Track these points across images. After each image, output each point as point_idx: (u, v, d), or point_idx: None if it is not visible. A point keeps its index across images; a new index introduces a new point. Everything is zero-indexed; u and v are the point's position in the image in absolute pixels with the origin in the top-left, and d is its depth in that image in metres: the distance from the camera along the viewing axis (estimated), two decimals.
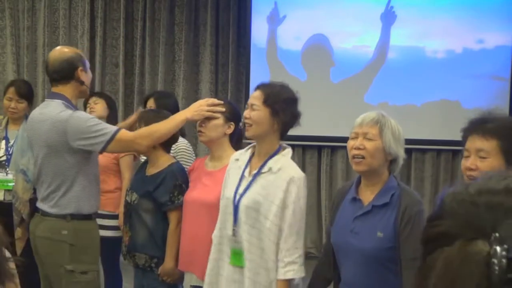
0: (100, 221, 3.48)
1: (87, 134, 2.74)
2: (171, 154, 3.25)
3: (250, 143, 2.60)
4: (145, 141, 2.81)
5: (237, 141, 2.91)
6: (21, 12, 6.24)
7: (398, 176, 2.29)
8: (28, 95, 3.86)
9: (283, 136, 2.48)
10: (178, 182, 2.92)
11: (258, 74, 5.91)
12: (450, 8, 5.87)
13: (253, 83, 5.79)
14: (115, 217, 3.72)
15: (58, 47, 3.07)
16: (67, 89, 2.88)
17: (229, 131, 2.80)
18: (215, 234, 2.55)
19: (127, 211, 3.06)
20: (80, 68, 2.88)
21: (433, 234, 0.73)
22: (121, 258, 3.27)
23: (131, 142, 2.82)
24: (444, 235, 0.71)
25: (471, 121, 2.02)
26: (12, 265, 1.14)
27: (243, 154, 2.55)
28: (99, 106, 3.89)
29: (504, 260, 0.64)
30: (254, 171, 2.45)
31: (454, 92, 5.94)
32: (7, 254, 1.21)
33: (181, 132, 3.55)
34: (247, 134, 2.48)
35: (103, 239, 3.50)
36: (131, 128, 3.31)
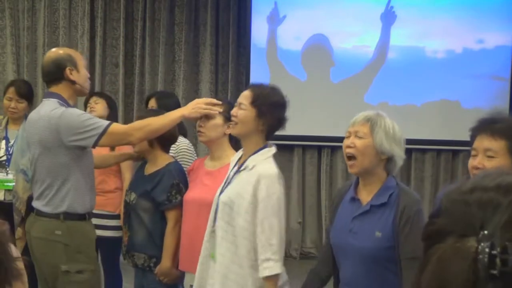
0: (100, 221, 3.49)
1: (80, 129, 2.74)
2: (173, 154, 3.25)
3: None
4: (137, 133, 2.80)
5: (236, 141, 2.92)
6: (21, 12, 6.23)
7: (397, 176, 2.29)
8: (28, 95, 3.86)
9: (269, 137, 2.50)
10: (175, 181, 2.92)
11: (258, 74, 5.91)
12: (450, 8, 5.87)
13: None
14: (115, 217, 3.72)
15: (52, 49, 3.09)
16: (60, 89, 2.89)
17: (229, 131, 2.81)
18: (205, 233, 2.58)
19: (126, 211, 3.07)
20: (69, 67, 2.86)
21: (430, 231, 0.75)
22: (121, 258, 3.27)
23: (124, 135, 2.81)
24: (439, 232, 0.73)
25: (480, 121, 2.02)
26: (20, 264, 1.13)
27: (238, 155, 2.60)
28: (99, 106, 3.89)
29: (488, 255, 0.66)
30: (236, 169, 2.50)
31: (454, 92, 5.94)
32: (16, 253, 1.20)
33: (182, 132, 3.55)
34: (231, 131, 2.52)
35: (103, 239, 3.50)
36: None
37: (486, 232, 0.68)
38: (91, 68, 5.91)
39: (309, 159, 6.21)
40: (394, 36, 5.93)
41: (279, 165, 6.80)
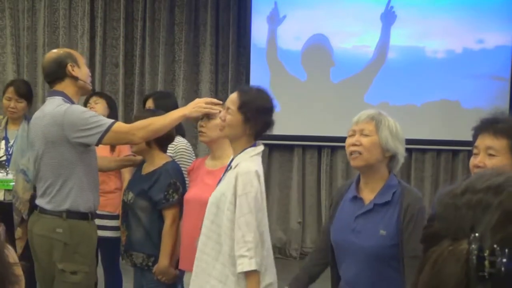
0: (100, 222, 3.48)
1: (83, 126, 2.75)
2: (171, 154, 3.25)
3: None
4: (140, 132, 2.81)
5: None
6: (21, 12, 6.23)
7: (397, 176, 2.29)
8: (27, 95, 3.87)
9: (257, 138, 2.52)
10: (172, 181, 2.94)
11: (258, 74, 5.91)
12: (450, 8, 5.87)
13: (253, 83, 5.79)
14: (115, 217, 3.72)
15: (51, 51, 3.10)
16: (64, 87, 2.90)
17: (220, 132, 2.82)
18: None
19: (124, 211, 3.08)
20: (70, 64, 2.89)
21: (427, 234, 0.77)
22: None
23: (127, 134, 2.82)
24: (435, 235, 0.74)
25: (482, 120, 2.03)
26: (18, 270, 1.11)
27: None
28: (99, 106, 3.89)
29: (476, 258, 0.67)
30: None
31: (454, 92, 5.94)
32: (14, 258, 1.19)
33: (180, 132, 3.55)
34: (219, 134, 2.61)
35: (103, 240, 3.50)
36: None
37: (476, 234, 0.69)
38: (91, 68, 5.90)
39: (309, 159, 6.21)
40: (394, 36, 5.93)
41: (279, 165, 6.77)
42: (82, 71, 2.94)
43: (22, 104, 3.83)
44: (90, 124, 2.76)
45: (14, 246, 3.68)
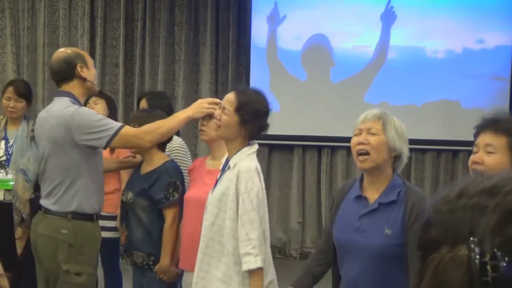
0: (99, 223, 3.49)
1: (92, 129, 2.75)
2: (166, 153, 3.26)
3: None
4: (148, 136, 2.82)
5: None
6: (21, 12, 6.24)
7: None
8: (27, 95, 3.87)
9: (251, 139, 2.52)
10: (172, 180, 2.96)
11: (258, 74, 5.92)
12: (450, 8, 5.87)
13: (253, 83, 5.80)
14: (114, 218, 3.72)
15: (59, 49, 3.08)
16: (71, 88, 2.90)
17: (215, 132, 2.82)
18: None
19: (123, 211, 3.08)
20: (79, 65, 2.88)
21: (424, 242, 0.76)
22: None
23: (135, 138, 2.83)
24: (433, 242, 0.74)
25: (484, 119, 2.04)
26: (4, 281, 1.11)
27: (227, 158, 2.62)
28: (99, 106, 3.88)
29: (478, 263, 0.67)
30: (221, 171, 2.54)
31: (454, 92, 5.94)
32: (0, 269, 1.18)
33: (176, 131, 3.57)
34: (215, 133, 2.58)
35: (103, 240, 3.50)
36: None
37: (475, 239, 0.68)
38: None
39: (309, 159, 6.21)
40: (394, 36, 5.93)
41: (279, 165, 6.79)
42: (90, 72, 2.94)
43: (21, 104, 3.82)
44: (98, 127, 2.75)
45: (14, 246, 3.68)
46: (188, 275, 2.87)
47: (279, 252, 6.07)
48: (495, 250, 0.67)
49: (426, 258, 0.74)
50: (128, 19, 6.22)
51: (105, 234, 3.59)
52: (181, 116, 2.88)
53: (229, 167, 2.47)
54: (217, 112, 2.52)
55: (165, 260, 2.93)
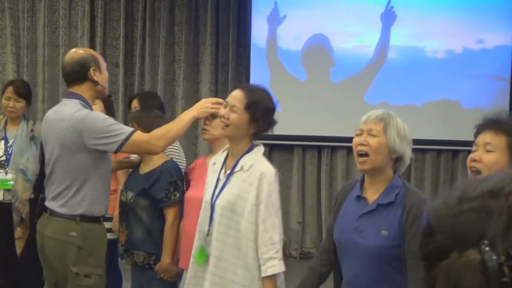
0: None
1: (103, 134, 2.73)
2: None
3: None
4: (159, 142, 2.81)
5: None
6: (21, 12, 6.23)
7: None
8: (26, 95, 3.87)
9: (256, 137, 2.51)
10: (173, 179, 2.97)
11: (258, 74, 5.91)
12: (450, 8, 5.87)
13: (253, 83, 5.79)
14: (110, 219, 3.72)
15: (73, 49, 3.05)
16: (82, 90, 2.87)
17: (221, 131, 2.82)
18: (195, 238, 2.55)
19: (123, 210, 3.08)
20: (93, 68, 2.85)
21: (428, 251, 0.75)
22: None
23: (146, 143, 2.81)
24: (438, 251, 0.73)
25: (485, 118, 2.04)
26: None
27: (219, 157, 2.57)
28: (95, 107, 3.86)
29: (495, 266, 0.67)
30: (228, 172, 2.47)
31: (454, 92, 5.94)
32: None
33: None
34: (222, 132, 2.51)
35: None
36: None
37: (486, 241, 0.68)
38: None
39: (309, 159, 6.21)
40: (394, 36, 5.93)
41: (279, 165, 6.82)
42: (102, 76, 2.91)
43: (21, 104, 3.83)
44: (110, 132, 2.74)
45: (13, 246, 3.69)
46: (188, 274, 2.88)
47: None
48: (509, 250, 0.67)
49: (434, 266, 0.73)
50: (128, 19, 6.22)
51: None
52: (186, 117, 2.86)
53: (241, 168, 2.42)
54: (224, 111, 2.46)
55: (166, 259, 2.94)
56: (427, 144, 5.95)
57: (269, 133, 2.57)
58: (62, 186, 2.81)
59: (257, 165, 2.41)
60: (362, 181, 2.29)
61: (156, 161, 3.02)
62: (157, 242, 2.97)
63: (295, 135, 5.95)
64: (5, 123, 3.85)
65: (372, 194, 2.23)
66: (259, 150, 2.48)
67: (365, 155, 2.18)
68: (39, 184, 3.72)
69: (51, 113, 2.91)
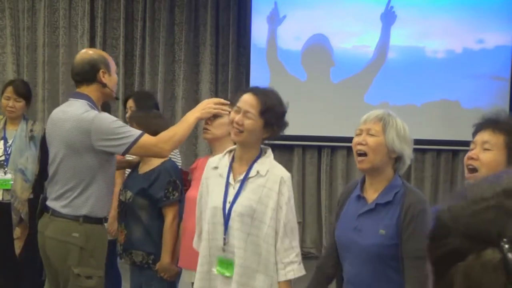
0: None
1: (111, 136, 2.72)
2: None
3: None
4: (167, 145, 2.81)
5: None
6: (21, 12, 6.23)
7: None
8: (26, 95, 3.87)
9: (265, 141, 2.49)
10: (172, 179, 2.98)
11: (258, 74, 5.91)
12: (450, 8, 5.87)
13: (253, 83, 5.80)
14: (106, 220, 3.73)
15: (84, 50, 3.05)
16: (90, 91, 2.86)
17: (233, 137, 2.82)
18: (203, 246, 2.47)
19: (122, 210, 3.08)
20: (102, 70, 2.84)
21: (442, 253, 0.73)
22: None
23: (154, 147, 2.80)
24: (454, 252, 0.71)
25: (484, 118, 2.04)
26: None
27: (221, 161, 2.50)
28: None
29: None
30: (240, 177, 2.41)
31: (454, 92, 5.94)
32: None
33: None
34: (235, 139, 2.42)
35: None
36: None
37: (505, 239, 0.67)
38: None
39: (309, 159, 6.21)
40: (394, 36, 5.93)
41: None
42: (111, 79, 2.90)
43: (20, 104, 3.83)
44: (118, 134, 2.73)
45: (12, 246, 3.69)
46: (187, 274, 2.88)
47: None
48: None
49: (447, 269, 0.72)
50: (128, 19, 6.22)
51: None
52: (190, 118, 2.86)
53: (257, 173, 2.39)
54: (238, 117, 2.37)
55: (166, 258, 2.95)
56: (427, 144, 5.95)
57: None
58: (67, 187, 2.79)
59: (274, 169, 2.39)
60: (363, 181, 2.30)
61: (155, 161, 3.02)
62: (156, 241, 2.98)
63: (295, 135, 5.93)
64: (5, 123, 3.86)
65: (371, 194, 2.24)
66: (270, 153, 2.46)
67: (364, 154, 2.19)
68: (38, 184, 3.73)
69: (57, 113, 2.90)
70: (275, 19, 5.99)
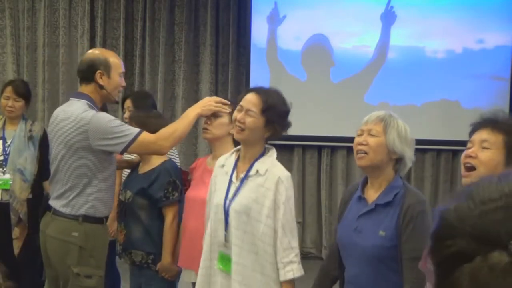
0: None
1: (109, 135, 2.72)
2: None
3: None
4: (166, 142, 2.80)
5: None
6: (21, 12, 6.23)
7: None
8: (25, 94, 3.87)
9: (268, 140, 2.50)
10: (172, 179, 2.98)
11: (258, 74, 5.91)
12: (450, 8, 5.87)
13: (253, 83, 5.80)
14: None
15: (93, 49, 3.04)
16: (90, 90, 2.86)
17: (235, 135, 2.81)
18: (205, 242, 2.52)
19: (122, 210, 3.08)
20: (100, 71, 2.82)
21: (447, 254, 0.72)
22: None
23: (153, 144, 2.79)
24: (460, 254, 0.70)
25: (482, 117, 2.04)
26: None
27: (228, 159, 2.54)
28: None
29: None
30: (241, 175, 2.44)
31: (454, 92, 5.94)
32: (2, 278, 1.16)
33: None
34: (237, 136, 2.45)
35: None
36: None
37: None
38: None
39: (309, 159, 6.21)
40: (394, 36, 5.93)
41: None
42: (111, 81, 2.86)
43: (20, 104, 3.83)
44: (116, 133, 2.73)
45: (11, 246, 3.69)
46: (187, 274, 2.89)
47: None
48: None
49: (452, 270, 0.70)
50: (128, 19, 6.22)
51: None
52: (191, 115, 2.85)
53: (256, 172, 2.40)
54: (240, 115, 2.41)
55: (166, 258, 2.95)
56: (427, 144, 5.94)
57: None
58: (67, 186, 2.80)
59: (273, 169, 2.40)
60: (365, 182, 2.31)
61: (155, 161, 3.02)
62: (155, 241, 2.98)
63: (295, 135, 5.91)
64: (4, 123, 3.86)
65: (372, 195, 2.25)
66: (273, 153, 2.48)
67: (364, 153, 2.20)
68: (37, 184, 3.73)
69: (58, 112, 2.90)
70: (275, 19, 5.99)
